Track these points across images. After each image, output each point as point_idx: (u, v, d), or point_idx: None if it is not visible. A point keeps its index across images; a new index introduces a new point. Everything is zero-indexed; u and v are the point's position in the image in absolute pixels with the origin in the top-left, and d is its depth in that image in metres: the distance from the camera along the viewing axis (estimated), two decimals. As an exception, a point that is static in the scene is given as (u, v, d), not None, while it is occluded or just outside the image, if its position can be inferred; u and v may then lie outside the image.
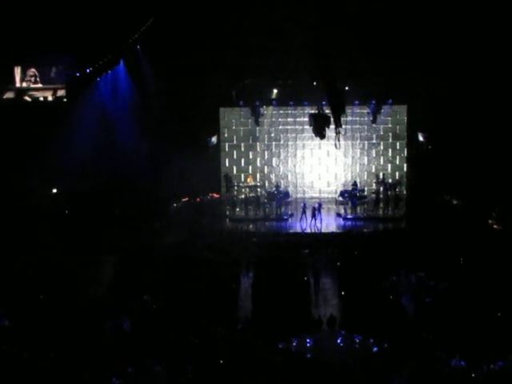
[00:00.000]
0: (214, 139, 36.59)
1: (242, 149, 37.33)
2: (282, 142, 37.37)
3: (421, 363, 18.77)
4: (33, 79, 29.28)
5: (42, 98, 29.31)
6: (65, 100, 29.18)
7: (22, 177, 28.52)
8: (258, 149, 37.47)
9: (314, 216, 31.46)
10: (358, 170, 37.31)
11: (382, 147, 37.18)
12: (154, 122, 32.60)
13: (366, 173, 37.30)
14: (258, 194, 34.96)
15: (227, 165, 37.22)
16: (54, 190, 31.25)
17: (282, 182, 37.04)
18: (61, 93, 29.26)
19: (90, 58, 29.20)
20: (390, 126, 36.90)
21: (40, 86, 29.36)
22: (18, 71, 29.28)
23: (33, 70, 29.25)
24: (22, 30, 27.64)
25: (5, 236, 26.88)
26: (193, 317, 22.27)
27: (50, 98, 29.32)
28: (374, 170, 37.13)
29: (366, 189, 35.81)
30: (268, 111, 36.76)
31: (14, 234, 27.18)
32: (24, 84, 29.38)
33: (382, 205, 33.77)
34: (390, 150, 37.13)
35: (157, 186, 32.43)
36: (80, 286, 25.12)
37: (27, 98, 29.36)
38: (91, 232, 28.43)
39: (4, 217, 27.73)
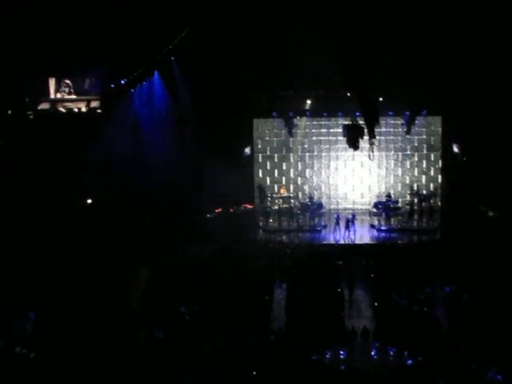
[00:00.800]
0: (247, 150, 36.70)
1: (276, 160, 37.32)
2: (315, 153, 37.28)
3: (456, 376, 18.59)
4: (67, 90, 29.69)
5: (76, 109, 29.67)
6: (99, 111, 29.48)
7: (57, 188, 28.84)
8: (292, 160, 37.40)
9: (347, 227, 31.35)
10: (392, 182, 37.04)
11: (416, 158, 36.87)
12: (188, 133, 32.81)
13: (400, 184, 37.01)
14: (292, 205, 34.97)
15: (261, 176, 37.23)
16: (89, 201, 31.51)
17: (315, 193, 36.96)
18: (94, 104, 29.67)
19: (125, 70, 29.51)
20: (424, 137, 36.59)
21: (74, 97, 29.76)
22: (52, 83, 29.74)
23: (67, 81, 29.65)
24: (56, 42, 27.95)
25: (40, 248, 27.14)
26: (226, 328, 22.31)
27: (83, 109, 29.73)
28: (408, 182, 36.80)
29: (400, 200, 35.62)
30: (301, 122, 36.71)
31: (50, 247, 27.45)
32: (58, 95, 29.78)
33: (416, 216, 33.45)
34: (424, 161, 36.82)
35: (190, 196, 32.54)
36: (115, 297, 25.27)
37: (61, 109, 29.73)
38: (125, 243, 28.60)
39: (40, 228, 28.00)
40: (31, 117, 29.74)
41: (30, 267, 26.04)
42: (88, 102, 29.60)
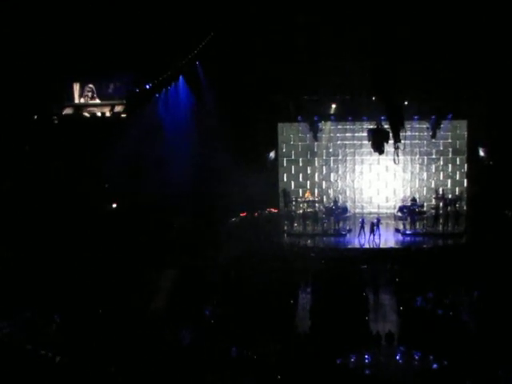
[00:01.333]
0: (272, 154, 36.82)
1: (300, 164, 37.35)
2: (340, 157, 37.28)
3: (482, 381, 18.47)
4: (90, 95, 29.86)
5: (99, 114, 29.85)
6: (123, 116, 29.63)
7: (83, 192, 29.09)
8: (316, 164, 37.42)
9: (372, 231, 31.29)
10: (417, 186, 36.94)
11: (441, 162, 36.70)
12: (213, 138, 32.87)
13: (425, 188, 36.89)
14: (316, 209, 34.94)
15: (285, 180, 37.28)
16: (114, 205, 31.77)
17: (340, 197, 36.91)
18: (118, 108, 29.75)
19: (150, 74, 29.65)
20: (449, 140, 36.42)
21: (98, 101, 29.96)
22: (76, 87, 29.95)
23: (90, 85, 29.85)
24: (81, 46, 28.21)
25: (67, 251, 27.43)
26: (251, 331, 22.37)
27: (107, 114, 29.86)
28: (433, 186, 36.61)
29: (425, 204, 35.37)
30: (326, 126, 36.73)
31: (77, 250, 27.73)
32: (82, 100, 29.98)
33: (441, 220, 33.27)
34: (449, 166, 36.63)
35: (215, 200, 32.66)
36: (141, 299, 25.47)
37: (86, 114, 29.93)
38: (151, 246, 28.80)
39: (66, 232, 28.29)
40: (56, 122, 29.99)
41: (57, 270, 26.34)
42: (112, 106, 29.76)
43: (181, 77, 32.04)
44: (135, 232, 29.84)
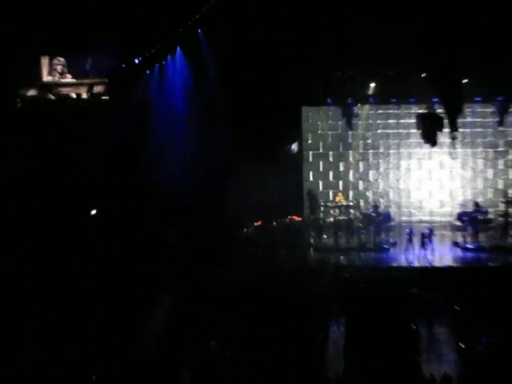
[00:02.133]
0: (294, 147, 36.72)
1: (331, 159, 37.39)
2: (381, 150, 37.29)
3: None
4: (60, 70, 29.39)
5: (74, 96, 29.59)
6: (105, 98, 29.46)
7: (55, 196, 28.88)
8: (351, 159, 37.47)
9: (423, 245, 31.08)
10: (480, 187, 36.89)
11: (511, 156, 36.53)
12: (218, 126, 32.73)
13: (490, 190, 36.84)
14: (351, 216, 34.74)
15: (311, 179, 37.31)
16: (93, 212, 31.52)
17: (381, 201, 36.91)
18: (98, 89, 29.51)
19: (139, 46, 29.50)
20: (522, 128, 36.29)
21: (72, 80, 29.62)
22: (45, 62, 29.54)
23: (61, 59, 29.43)
24: (47, 7, 27.88)
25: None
26: (270, 373, 22.25)
27: (84, 96, 29.62)
28: (501, 186, 36.60)
29: (491, 210, 35.11)
30: (363, 111, 36.67)
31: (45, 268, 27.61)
32: (51, 78, 29.63)
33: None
34: (522, 161, 36.51)
35: (221, 206, 32.54)
36: (131, 331, 25.38)
37: (51, 96, 29.56)
38: (141, 265, 28.64)
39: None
40: (18, 105, 29.75)
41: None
42: (90, 86, 29.52)
43: (178, 48, 31.88)
44: (119, 246, 29.67)
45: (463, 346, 24.43)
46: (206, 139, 32.57)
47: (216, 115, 32.70)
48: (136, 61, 29.77)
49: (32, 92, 29.59)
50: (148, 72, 31.22)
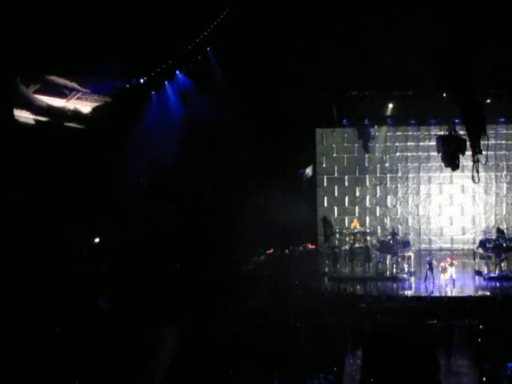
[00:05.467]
0: (308, 170, 36.72)
1: (346, 183, 37.43)
2: (399, 174, 37.30)
3: None
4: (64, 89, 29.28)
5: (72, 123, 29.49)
6: (107, 119, 29.42)
7: (57, 223, 28.88)
8: (368, 183, 37.49)
9: (444, 274, 30.98)
10: (504, 212, 36.84)
11: (537, 180, 36.52)
12: (228, 149, 32.72)
13: (515, 215, 36.63)
14: (368, 243, 34.70)
15: (326, 205, 37.35)
16: (97, 240, 31.52)
17: (399, 227, 36.86)
18: (99, 109, 29.51)
19: (144, 65, 29.58)
20: (548, 151, 36.27)
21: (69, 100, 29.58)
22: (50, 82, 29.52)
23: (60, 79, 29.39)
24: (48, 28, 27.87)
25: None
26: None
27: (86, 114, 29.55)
28: (527, 212, 36.39)
29: (515, 237, 35.07)
30: (381, 133, 36.77)
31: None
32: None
33: (538, 260, 33.02)
34: (548, 185, 36.46)
35: (231, 232, 32.49)
36: (133, 369, 25.27)
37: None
38: (143, 298, 28.57)
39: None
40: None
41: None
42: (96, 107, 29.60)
43: (185, 67, 31.86)
44: (120, 277, 29.63)
45: (486, 380, 24.31)
46: (215, 163, 32.59)
47: (226, 137, 32.68)
48: (141, 80, 29.80)
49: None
50: (153, 92, 31.21)
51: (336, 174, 37.23)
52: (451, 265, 31.21)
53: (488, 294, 30.72)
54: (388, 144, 36.95)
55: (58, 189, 28.36)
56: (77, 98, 29.61)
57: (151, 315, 27.78)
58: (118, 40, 27.75)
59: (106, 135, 29.25)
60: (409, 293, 31.32)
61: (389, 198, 37.35)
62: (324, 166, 37.18)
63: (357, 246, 34.46)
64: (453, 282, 30.97)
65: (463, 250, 36.07)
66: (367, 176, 37.31)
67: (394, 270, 33.29)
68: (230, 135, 32.39)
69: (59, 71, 29.43)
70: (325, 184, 37.22)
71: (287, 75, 31.62)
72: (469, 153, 25.75)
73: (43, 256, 27.87)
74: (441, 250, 35.97)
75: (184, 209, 31.23)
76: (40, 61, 28.48)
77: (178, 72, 31.55)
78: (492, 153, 35.16)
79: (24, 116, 28.40)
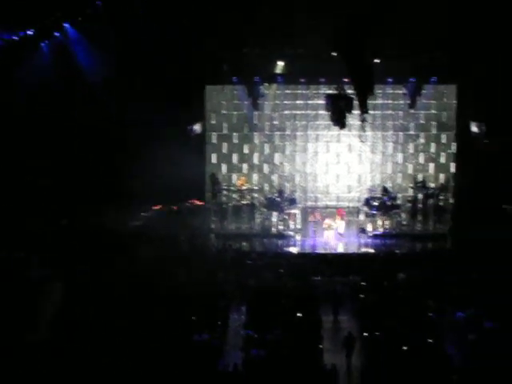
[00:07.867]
0: (197, 127, 36.66)
1: (235, 140, 37.49)
2: (288, 131, 37.49)
3: None
4: None
5: None
6: None
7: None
8: (256, 141, 37.61)
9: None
10: (389, 171, 37.40)
11: (422, 140, 37.29)
12: (118, 104, 32.41)
13: (400, 174, 37.38)
14: (255, 201, 35.01)
15: (214, 161, 37.38)
16: None
17: (286, 185, 37.19)
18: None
19: (31, 16, 29.04)
20: (433, 112, 37.02)
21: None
22: None
23: None
24: None
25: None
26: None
27: None
28: (410, 171, 37.23)
29: (399, 196, 35.85)
30: (271, 90, 36.87)
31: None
32: None
33: (420, 217, 33.75)
34: (432, 145, 37.26)
35: (118, 189, 32.34)
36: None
37: None
38: (29, 250, 28.37)
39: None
40: None
41: None
42: None
43: (74, 20, 31.41)
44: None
45: (366, 335, 24.78)
46: (105, 118, 32.28)
47: (116, 92, 32.36)
48: (29, 33, 29.25)
49: None
50: (41, 44, 30.69)
51: (225, 131, 37.19)
52: (341, 219, 31.75)
53: (372, 251, 31.41)
54: (277, 102, 37.03)
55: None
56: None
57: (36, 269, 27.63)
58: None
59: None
60: (294, 250, 31.76)
61: (276, 155, 37.50)
62: (213, 122, 37.10)
63: (243, 202, 34.74)
64: (340, 236, 31.48)
65: (348, 207, 36.47)
66: (255, 134, 37.38)
67: (281, 227, 33.71)
68: (115, 92, 32.08)
69: None
70: (213, 141, 37.19)
71: (180, 32, 31.30)
72: (356, 112, 26.22)
73: None
74: (326, 207, 36.35)
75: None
76: None
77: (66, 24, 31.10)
78: (379, 112, 35.84)
79: None
